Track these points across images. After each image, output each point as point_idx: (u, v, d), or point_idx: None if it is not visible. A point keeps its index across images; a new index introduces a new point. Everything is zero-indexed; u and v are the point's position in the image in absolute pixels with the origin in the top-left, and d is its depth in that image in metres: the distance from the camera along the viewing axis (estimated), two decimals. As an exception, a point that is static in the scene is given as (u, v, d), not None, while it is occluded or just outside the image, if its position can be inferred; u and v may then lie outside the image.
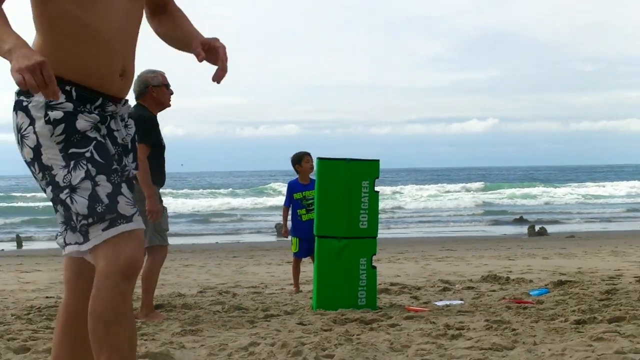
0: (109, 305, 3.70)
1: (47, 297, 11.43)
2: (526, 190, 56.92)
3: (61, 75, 3.74)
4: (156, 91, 9.62)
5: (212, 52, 4.08)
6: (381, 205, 10.98)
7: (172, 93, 9.99)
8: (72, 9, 3.79)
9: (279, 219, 24.56)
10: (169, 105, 10.01)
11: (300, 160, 12.13)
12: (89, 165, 3.76)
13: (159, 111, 9.85)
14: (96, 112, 3.89)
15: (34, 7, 3.88)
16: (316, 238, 10.01)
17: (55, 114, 3.76)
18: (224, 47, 4.11)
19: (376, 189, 10.14)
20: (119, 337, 3.70)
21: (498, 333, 7.66)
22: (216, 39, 4.14)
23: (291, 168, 12.34)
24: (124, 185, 3.89)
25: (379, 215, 10.34)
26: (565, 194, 54.44)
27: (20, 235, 29.51)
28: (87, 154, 3.78)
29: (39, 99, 3.77)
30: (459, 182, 61.28)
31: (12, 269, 16.00)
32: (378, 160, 10.29)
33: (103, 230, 3.72)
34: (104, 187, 3.75)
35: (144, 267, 9.25)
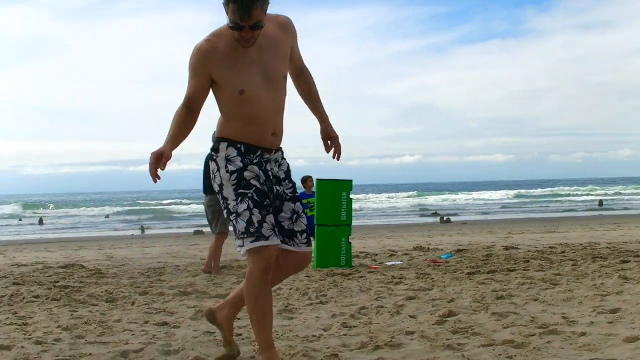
0: (252, 289, 3.89)
1: (158, 262, 11.21)
2: (439, 196, 58.53)
3: (234, 138, 3.89)
4: None
5: (329, 140, 4.25)
6: (353, 205, 10.73)
7: None
8: (236, 107, 3.85)
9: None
10: None
11: (305, 180, 12.74)
12: (250, 202, 3.80)
13: None
14: (256, 160, 3.87)
15: (217, 102, 3.94)
16: (316, 226, 10.25)
17: (232, 167, 3.84)
18: (337, 137, 4.25)
19: (350, 196, 10.36)
20: (259, 303, 3.88)
21: (423, 280, 7.99)
22: (331, 130, 4.25)
23: (300, 184, 12.67)
24: (269, 216, 3.83)
25: (352, 212, 10.50)
26: (462, 197, 56.01)
27: (144, 225, 29.53)
28: (249, 195, 3.81)
29: (222, 154, 3.91)
30: (400, 191, 62.17)
31: (138, 246, 15.48)
32: (351, 180, 10.45)
33: (251, 242, 3.77)
34: (256, 217, 3.77)
35: (214, 242, 9.59)
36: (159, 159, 3.64)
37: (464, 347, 4.51)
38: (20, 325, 5.74)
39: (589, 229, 17.60)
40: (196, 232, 22.51)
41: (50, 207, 52.33)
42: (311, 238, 4.04)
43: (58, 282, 8.65)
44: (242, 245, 3.80)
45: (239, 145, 3.86)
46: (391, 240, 15.57)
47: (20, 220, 38.44)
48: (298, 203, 4.06)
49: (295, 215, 4.02)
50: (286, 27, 3.91)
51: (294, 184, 4.10)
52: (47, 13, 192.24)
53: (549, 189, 69.89)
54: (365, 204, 50.32)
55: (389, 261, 10.44)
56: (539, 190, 67.87)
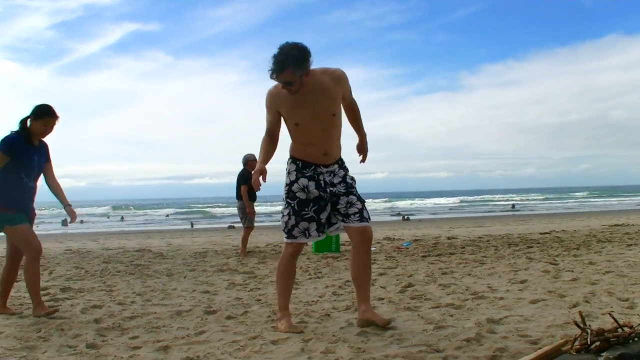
0: (282, 264, 3.94)
1: (203, 248, 10.89)
2: (402, 202, 58.11)
3: (295, 156, 3.87)
4: (250, 163, 9.17)
5: (360, 150, 4.06)
6: None
7: (256, 161, 9.87)
8: (295, 134, 3.83)
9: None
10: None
11: None
12: (291, 210, 3.82)
13: (251, 169, 8.87)
14: (310, 173, 3.80)
15: (287, 129, 3.86)
16: None
17: (287, 180, 3.88)
18: (365, 151, 4.06)
19: None
20: (284, 276, 3.94)
21: (390, 261, 7.80)
22: (363, 144, 4.05)
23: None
24: (303, 223, 3.80)
25: None
26: (418, 203, 55.60)
27: (193, 222, 29.20)
28: (292, 205, 3.82)
29: (287, 167, 3.91)
30: (375, 198, 61.94)
31: (188, 237, 15.00)
32: None
33: (285, 237, 3.89)
34: (291, 222, 3.82)
35: (243, 234, 9.38)
36: (259, 175, 3.67)
37: (419, 308, 4.52)
38: (107, 291, 5.79)
39: (505, 224, 17.55)
40: (230, 227, 22.37)
41: (130, 209, 52.39)
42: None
43: (133, 261, 8.67)
44: (284, 236, 3.92)
45: (298, 162, 3.84)
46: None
47: (108, 217, 38.34)
48: (352, 196, 3.87)
49: (348, 204, 3.84)
50: (338, 79, 3.76)
51: (348, 184, 3.88)
52: (129, 75, 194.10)
53: (478, 196, 69.95)
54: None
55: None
56: (472, 197, 67.97)
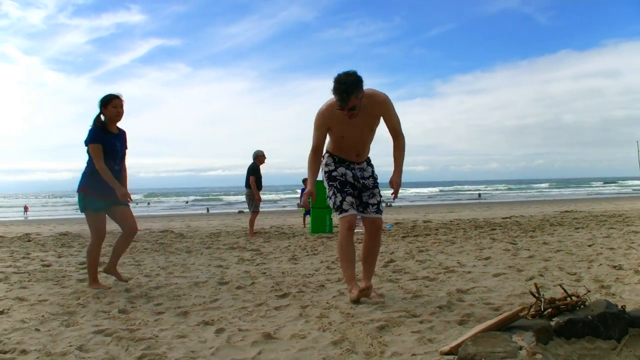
0: (342, 240, 3.76)
1: (217, 230, 11.00)
2: (385, 191, 57.53)
3: (333, 153, 3.82)
4: (259, 158, 9.36)
5: (392, 184, 3.74)
6: None
7: (264, 156, 9.48)
8: (337, 142, 3.76)
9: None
10: (262, 163, 9.48)
11: (305, 181, 12.47)
12: (334, 189, 3.75)
13: (260, 164, 9.46)
14: (345, 165, 3.78)
15: (329, 135, 3.76)
16: (311, 208, 9.81)
17: (327, 169, 3.82)
18: (398, 185, 3.76)
19: None
20: (345, 250, 3.75)
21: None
22: (396, 178, 3.74)
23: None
24: (349, 197, 3.71)
25: None
26: (401, 192, 55.15)
27: (209, 208, 29.17)
28: (335, 185, 3.76)
29: (325, 161, 3.84)
30: None
31: (205, 220, 14.83)
32: None
33: (339, 215, 3.73)
34: (338, 198, 3.71)
35: (250, 218, 9.32)
36: (308, 197, 3.72)
37: (399, 280, 4.49)
38: (136, 266, 5.75)
39: (473, 210, 17.65)
40: (239, 212, 22.45)
41: (157, 196, 52.32)
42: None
43: (158, 240, 8.63)
44: (337, 215, 3.75)
45: (335, 157, 3.81)
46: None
47: (137, 204, 38.31)
48: (376, 189, 3.84)
49: (371, 195, 3.81)
50: (381, 104, 3.64)
51: (374, 179, 3.86)
52: (154, 83, 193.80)
53: (451, 187, 70.02)
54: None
55: (355, 229, 10.20)
56: (447, 187, 67.98)
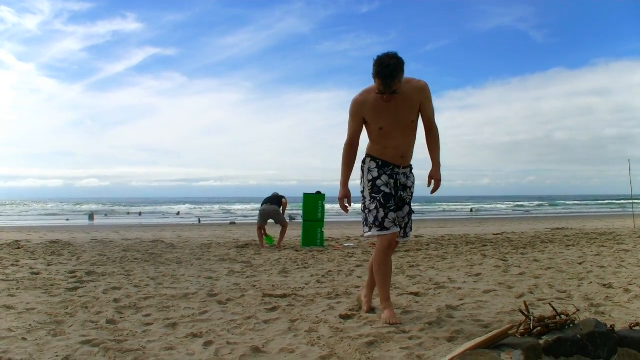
0: (380, 259, 3.48)
1: (208, 240, 10.90)
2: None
3: (376, 156, 3.52)
4: (284, 206, 9.65)
5: (432, 179, 3.46)
6: (325, 208, 9.92)
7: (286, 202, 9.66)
8: (377, 137, 3.46)
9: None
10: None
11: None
12: (378, 203, 3.43)
13: (284, 211, 9.67)
14: (389, 172, 3.48)
15: (367, 132, 3.52)
16: (302, 221, 9.77)
17: (369, 176, 3.51)
18: (438, 180, 3.47)
19: (324, 203, 9.90)
20: (382, 270, 3.50)
21: (366, 256, 7.62)
22: (435, 172, 3.48)
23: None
24: (391, 214, 3.43)
25: (325, 213, 9.91)
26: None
27: (200, 218, 28.61)
28: (378, 198, 3.44)
29: (367, 166, 3.55)
30: (357, 203, 61.21)
31: (196, 230, 14.87)
32: (324, 194, 9.88)
33: (378, 231, 3.43)
34: (381, 214, 3.42)
35: (281, 230, 9.45)
36: (344, 201, 3.51)
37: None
38: (126, 275, 5.71)
39: (464, 226, 17.59)
40: (231, 223, 22.30)
41: (147, 206, 51.95)
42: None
43: (148, 250, 8.55)
44: (369, 232, 3.45)
45: (378, 161, 3.49)
46: (348, 230, 14.92)
47: (128, 214, 38.00)
48: (410, 207, 3.59)
49: (406, 215, 3.57)
50: (420, 90, 3.35)
51: (412, 194, 3.59)
52: (149, 92, 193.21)
53: (443, 203, 70.02)
54: (333, 208, 49.64)
55: (346, 243, 10.02)
56: (438, 202, 67.96)
